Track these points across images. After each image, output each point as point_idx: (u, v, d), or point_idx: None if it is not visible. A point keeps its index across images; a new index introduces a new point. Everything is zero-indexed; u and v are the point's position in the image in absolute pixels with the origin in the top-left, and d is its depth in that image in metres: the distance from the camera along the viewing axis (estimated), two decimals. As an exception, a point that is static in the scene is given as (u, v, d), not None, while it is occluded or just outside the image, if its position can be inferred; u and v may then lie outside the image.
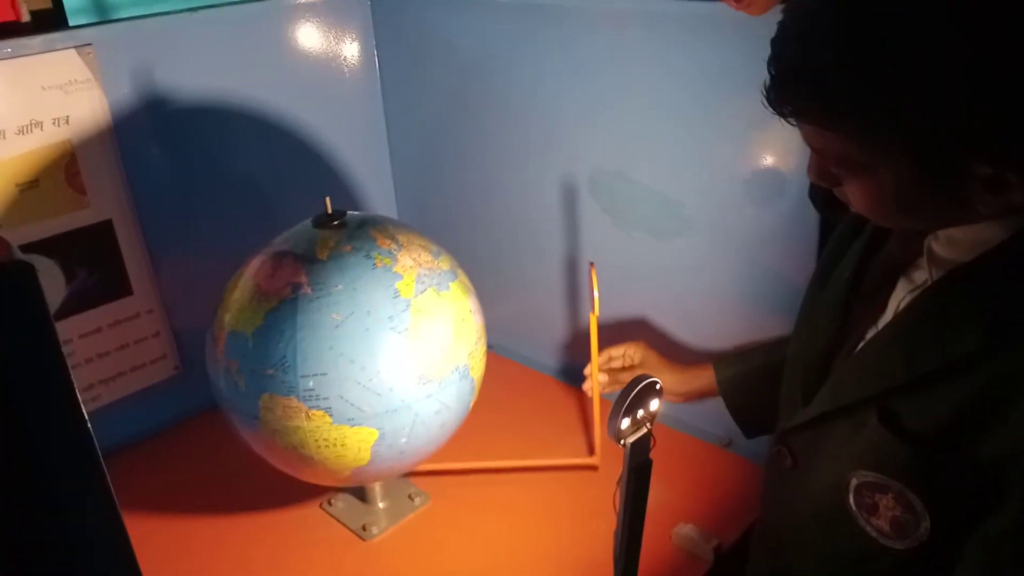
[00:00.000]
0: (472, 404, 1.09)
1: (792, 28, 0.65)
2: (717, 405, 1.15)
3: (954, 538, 0.70)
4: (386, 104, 1.62)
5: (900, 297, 0.76)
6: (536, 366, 1.56)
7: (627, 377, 1.13)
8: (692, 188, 1.24)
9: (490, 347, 1.56)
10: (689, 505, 1.18)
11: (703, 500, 1.19)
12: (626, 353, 1.23)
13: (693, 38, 1.14)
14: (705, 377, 1.14)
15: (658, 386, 0.80)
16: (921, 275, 0.74)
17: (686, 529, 1.11)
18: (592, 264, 1.21)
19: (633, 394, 0.78)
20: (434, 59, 1.49)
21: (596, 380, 1.23)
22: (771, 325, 1.17)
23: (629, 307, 1.38)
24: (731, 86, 1.11)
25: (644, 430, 0.80)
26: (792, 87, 0.65)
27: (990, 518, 0.67)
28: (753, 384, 1.09)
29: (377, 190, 1.66)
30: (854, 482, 0.75)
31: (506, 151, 1.46)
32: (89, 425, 0.43)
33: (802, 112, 0.66)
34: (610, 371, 1.24)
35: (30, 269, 0.39)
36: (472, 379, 1.05)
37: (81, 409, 0.42)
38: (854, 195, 0.70)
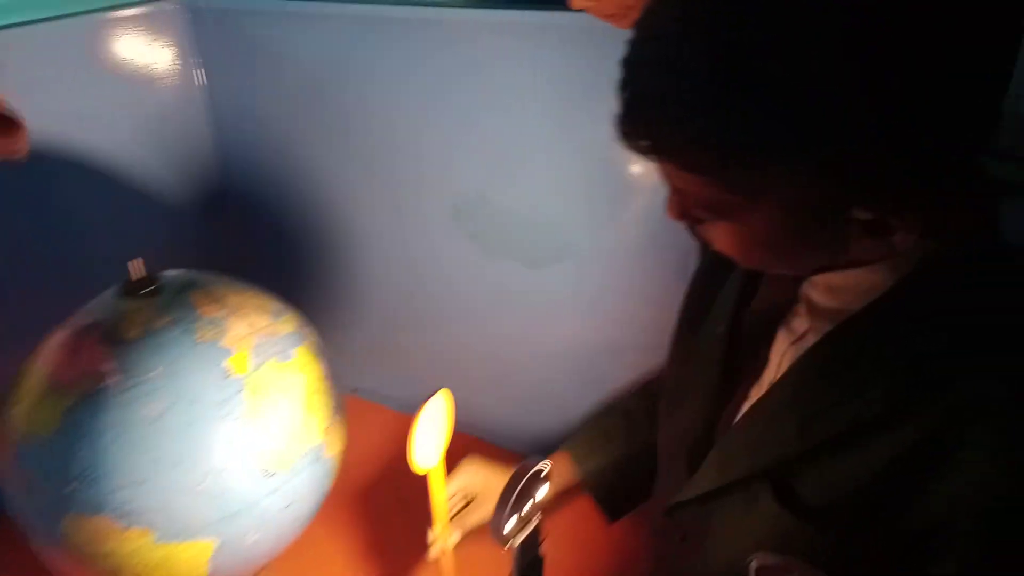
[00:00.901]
0: (331, 486, 0.94)
1: (650, 52, 0.54)
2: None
3: None
4: (217, 135, 1.43)
5: (782, 351, 0.68)
6: (407, 407, 1.41)
7: (475, 518, 0.91)
8: (564, 210, 1.13)
9: (355, 391, 1.42)
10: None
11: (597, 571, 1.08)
12: (460, 489, 0.95)
13: (560, 51, 1.03)
14: (561, 473, 0.95)
15: (544, 472, 0.68)
16: (801, 324, 0.66)
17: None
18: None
19: (518, 490, 0.66)
20: (271, 77, 1.32)
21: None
22: (658, 356, 1.07)
23: (498, 344, 1.27)
24: (601, 100, 1.00)
25: (532, 525, 0.68)
26: (650, 121, 0.54)
27: None
28: (622, 472, 0.95)
29: (203, 236, 1.46)
30: (754, 564, 0.64)
31: (357, 179, 1.30)
32: None
33: (660, 149, 0.55)
34: (453, 520, 0.95)
35: None
36: (328, 458, 0.90)
37: None
38: (718, 239, 0.61)
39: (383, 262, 1.34)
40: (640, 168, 1.04)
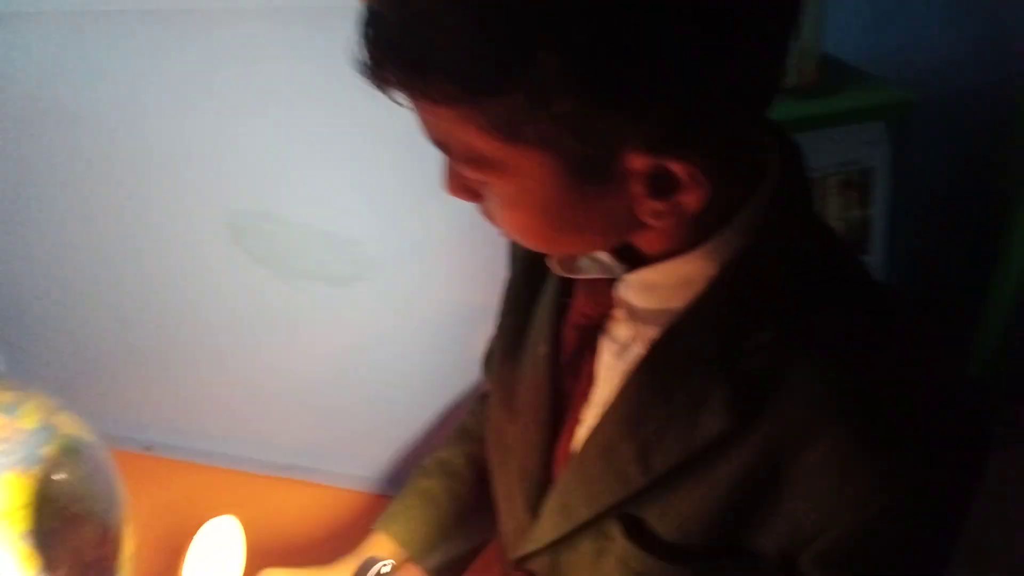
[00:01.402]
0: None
1: None
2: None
3: None
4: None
5: (609, 364, 0.61)
6: (220, 459, 1.23)
7: None
8: (366, 216, 0.99)
9: (149, 448, 1.22)
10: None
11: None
12: None
13: (336, 37, 0.87)
14: (382, 552, 0.79)
15: (390, 567, 0.58)
16: (623, 331, 0.59)
17: None
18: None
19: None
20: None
21: None
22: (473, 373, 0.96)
23: (310, 372, 1.12)
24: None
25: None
26: (399, 53, 0.45)
27: None
28: (452, 535, 0.83)
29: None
30: None
31: (110, 204, 1.08)
32: None
33: (404, 81, 0.45)
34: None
35: None
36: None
37: None
38: (500, 214, 0.52)
39: (152, 297, 1.14)
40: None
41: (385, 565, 0.59)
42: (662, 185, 0.47)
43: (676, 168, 0.46)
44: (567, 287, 0.64)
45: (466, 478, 0.85)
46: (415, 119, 0.50)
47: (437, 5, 0.42)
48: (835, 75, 1.28)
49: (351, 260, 1.01)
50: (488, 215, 0.54)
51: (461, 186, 0.53)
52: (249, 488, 1.11)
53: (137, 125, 1.01)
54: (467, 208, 0.55)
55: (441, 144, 0.50)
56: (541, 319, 0.66)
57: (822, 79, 1.24)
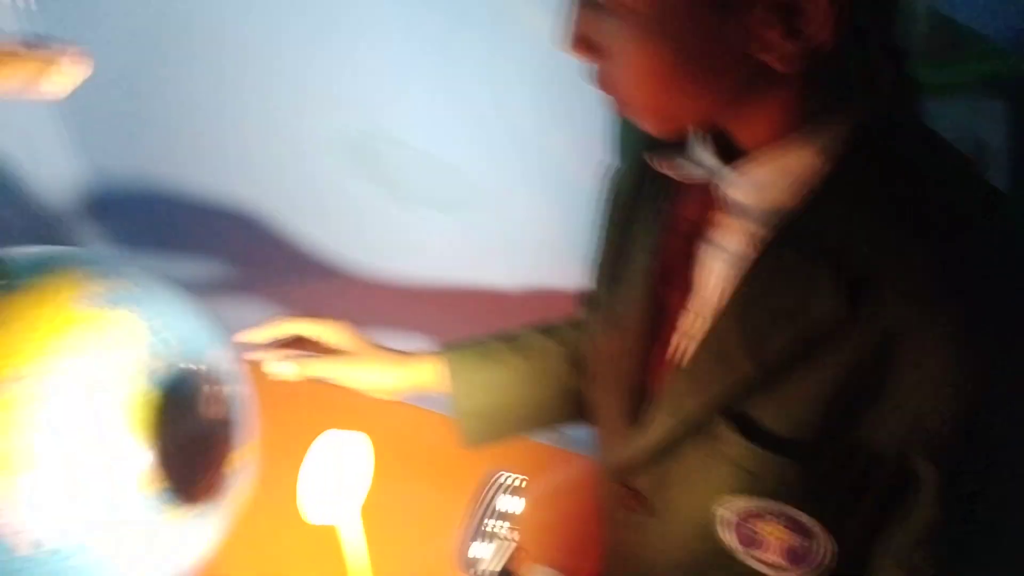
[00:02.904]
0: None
1: None
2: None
3: (865, 551, 0.59)
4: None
5: (711, 270, 0.62)
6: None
7: (312, 369, 0.82)
8: (473, 147, 1.03)
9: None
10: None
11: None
12: (319, 335, 0.87)
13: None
14: (429, 371, 0.87)
15: (520, 482, 0.59)
16: (731, 239, 0.60)
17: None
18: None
19: (487, 506, 0.56)
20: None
21: None
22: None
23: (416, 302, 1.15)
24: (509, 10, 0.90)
25: (508, 547, 0.58)
26: None
27: (901, 519, 0.57)
28: (495, 393, 0.87)
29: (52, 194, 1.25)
30: (723, 513, 0.61)
31: (233, 115, 1.14)
32: None
33: None
34: (291, 344, 0.87)
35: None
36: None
37: None
38: (623, 56, 0.54)
39: (284, 214, 1.19)
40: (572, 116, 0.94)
41: (517, 478, 0.60)
42: (790, 23, 0.49)
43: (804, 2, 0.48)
44: (667, 197, 0.66)
45: (527, 356, 0.87)
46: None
47: None
48: (949, 39, 1.21)
49: (457, 185, 1.04)
50: (605, 80, 0.56)
51: (586, 40, 0.55)
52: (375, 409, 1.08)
53: (272, 45, 1.07)
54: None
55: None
56: (641, 231, 0.68)
57: (934, 43, 1.18)
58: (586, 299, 0.85)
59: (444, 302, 1.16)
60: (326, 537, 0.72)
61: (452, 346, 0.87)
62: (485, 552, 0.56)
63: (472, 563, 0.56)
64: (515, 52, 0.95)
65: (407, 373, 0.86)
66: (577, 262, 0.91)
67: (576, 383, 0.85)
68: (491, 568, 0.57)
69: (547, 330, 0.90)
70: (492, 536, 0.56)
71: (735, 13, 0.50)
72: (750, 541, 0.61)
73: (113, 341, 0.67)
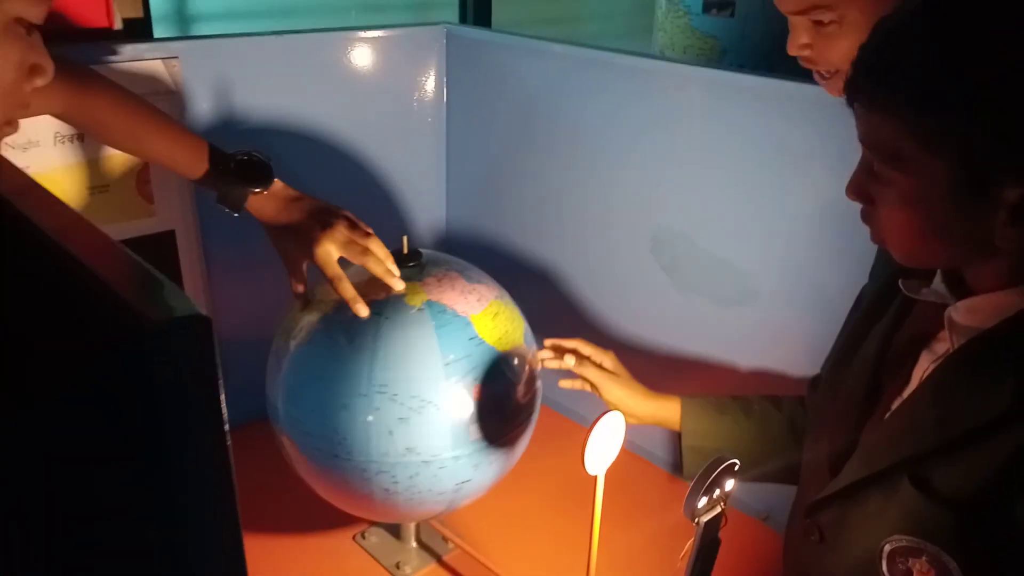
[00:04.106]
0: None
1: (882, 27, 0.72)
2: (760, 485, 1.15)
3: None
4: (449, 141, 1.63)
5: (924, 368, 0.78)
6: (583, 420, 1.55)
7: (591, 373, 1.12)
8: (756, 258, 1.24)
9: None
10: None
11: (742, 574, 1.18)
12: (601, 359, 1.15)
13: (765, 109, 1.16)
14: (670, 409, 1.12)
15: (736, 467, 0.80)
16: (943, 346, 0.77)
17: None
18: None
19: (714, 474, 0.78)
20: (501, 100, 1.51)
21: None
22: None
23: (678, 376, 1.38)
24: (802, 160, 1.12)
25: (718, 509, 0.80)
26: (873, 72, 0.70)
27: None
28: (716, 438, 1.09)
29: (429, 223, 1.67)
30: (887, 548, 0.75)
31: (567, 199, 1.47)
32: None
33: (875, 96, 0.70)
34: (574, 353, 1.15)
35: (207, 324, 0.39)
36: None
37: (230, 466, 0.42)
38: (884, 211, 0.73)
39: (586, 281, 1.49)
40: (839, 235, 1.14)
41: (734, 463, 0.80)
42: (1020, 216, 0.66)
43: None
44: (905, 308, 0.84)
45: (753, 417, 1.08)
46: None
47: (918, 46, 0.68)
48: None
49: (739, 287, 1.27)
50: (870, 218, 0.76)
51: (861, 190, 0.75)
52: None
53: (595, 152, 1.39)
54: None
55: (873, 144, 0.72)
56: (878, 329, 0.86)
57: None
58: (813, 382, 1.04)
59: (694, 373, 1.38)
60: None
61: (692, 396, 1.11)
62: (704, 504, 0.78)
63: (696, 511, 0.78)
64: (803, 189, 1.15)
65: (653, 405, 1.13)
66: (815, 357, 1.10)
67: (789, 446, 1.03)
68: (704, 518, 0.78)
69: (775, 400, 1.10)
70: (711, 495, 0.78)
71: (981, 207, 0.67)
72: (903, 574, 0.75)
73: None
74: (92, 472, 0.46)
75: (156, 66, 1.23)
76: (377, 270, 0.99)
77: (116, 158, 1.23)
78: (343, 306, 0.98)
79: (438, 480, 0.99)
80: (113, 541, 0.47)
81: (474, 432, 0.99)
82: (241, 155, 1.03)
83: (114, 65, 1.18)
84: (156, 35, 1.34)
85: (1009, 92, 0.64)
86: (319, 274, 1.01)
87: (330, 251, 0.98)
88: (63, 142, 1.18)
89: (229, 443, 0.41)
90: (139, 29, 1.28)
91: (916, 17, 0.70)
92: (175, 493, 0.40)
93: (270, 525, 1.25)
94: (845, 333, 0.95)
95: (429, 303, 1.00)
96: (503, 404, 1.03)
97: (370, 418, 0.96)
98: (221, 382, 0.40)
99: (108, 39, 1.22)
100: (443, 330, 0.98)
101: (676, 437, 1.12)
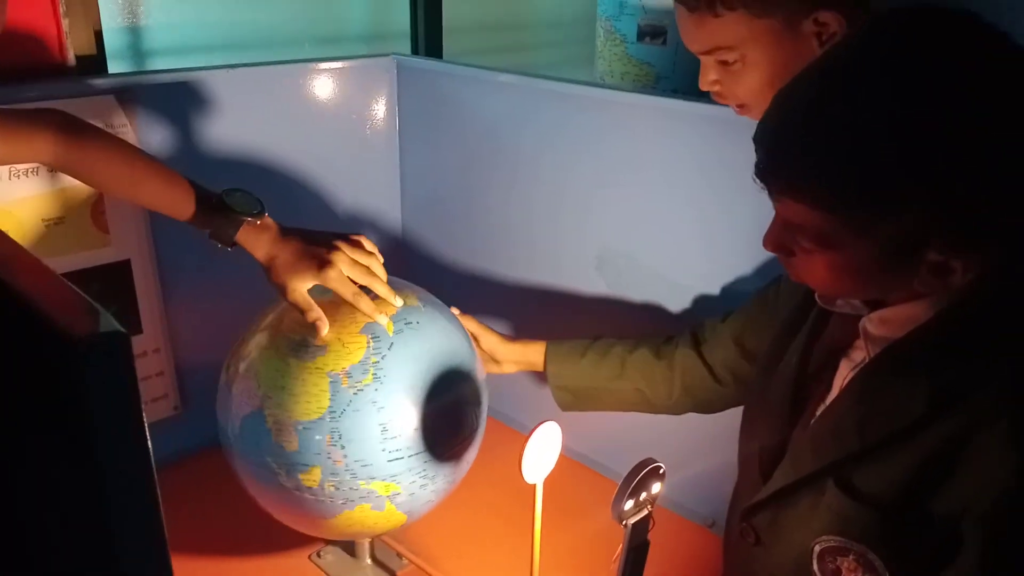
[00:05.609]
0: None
1: (787, 105, 0.71)
2: (706, 487, 1.19)
3: None
4: (403, 166, 1.68)
5: (844, 375, 0.83)
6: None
7: (471, 325, 1.23)
8: (699, 275, 1.29)
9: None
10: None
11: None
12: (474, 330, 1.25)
13: (698, 131, 1.21)
14: (535, 353, 1.25)
15: (661, 470, 0.84)
16: (860, 354, 0.82)
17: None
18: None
19: (639, 477, 0.82)
20: (451, 126, 1.56)
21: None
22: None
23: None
24: (737, 178, 1.15)
25: (645, 512, 0.84)
26: (788, 160, 0.71)
27: (946, 571, 0.72)
28: (576, 375, 1.22)
29: (385, 247, 1.70)
30: (817, 548, 0.80)
31: (516, 220, 1.52)
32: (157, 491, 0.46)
33: (793, 186, 0.71)
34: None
35: (126, 339, 0.43)
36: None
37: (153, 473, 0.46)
38: (810, 270, 0.76)
39: (535, 298, 1.54)
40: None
41: (659, 466, 0.84)
42: (942, 271, 0.69)
43: (956, 264, 0.68)
44: (822, 321, 0.88)
45: (616, 359, 1.19)
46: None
47: (834, 139, 0.67)
48: None
49: (683, 303, 1.32)
50: (791, 267, 0.79)
51: (780, 245, 0.77)
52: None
53: (538, 174, 1.44)
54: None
55: (793, 223, 0.73)
56: (798, 341, 0.91)
57: None
58: (694, 335, 1.16)
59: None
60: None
61: (556, 341, 1.24)
62: (631, 507, 0.82)
63: (623, 514, 0.82)
64: (741, 206, 1.18)
65: (521, 349, 1.25)
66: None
67: (663, 383, 1.17)
68: (632, 520, 0.82)
69: (653, 343, 1.20)
70: (637, 497, 0.82)
71: (906, 267, 0.70)
72: (832, 573, 0.80)
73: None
74: (17, 475, 0.49)
75: (109, 101, 1.26)
76: (381, 292, 1.05)
77: (71, 190, 1.26)
78: (293, 330, 1.02)
79: (387, 498, 1.03)
80: (40, 545, 0.51)
81: (421, 447, 1.03)
82: (229, 190, 1.06)
83: (68, 101, 1.21)
84: (110, 71, 1.38)
85: (947, 168, 0.65)
86: (274, 297, 1.05)
87: (337, 275, 1.02)
88: (18, 176, 1.21)
89: (151, 448, 0.45)
90: (93, 65, 1.31)
91: (824, 95, 0.69)
92: (99, 491, 0.43)
93: (229, 547, 1.27)
94: (768, 342, 0.99)
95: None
96: (449, 419, 1.06)
97: (318, 437, 0.99)
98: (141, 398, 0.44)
99: (62, 75, 1.26)
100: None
101: (618, 443, 1.18)
